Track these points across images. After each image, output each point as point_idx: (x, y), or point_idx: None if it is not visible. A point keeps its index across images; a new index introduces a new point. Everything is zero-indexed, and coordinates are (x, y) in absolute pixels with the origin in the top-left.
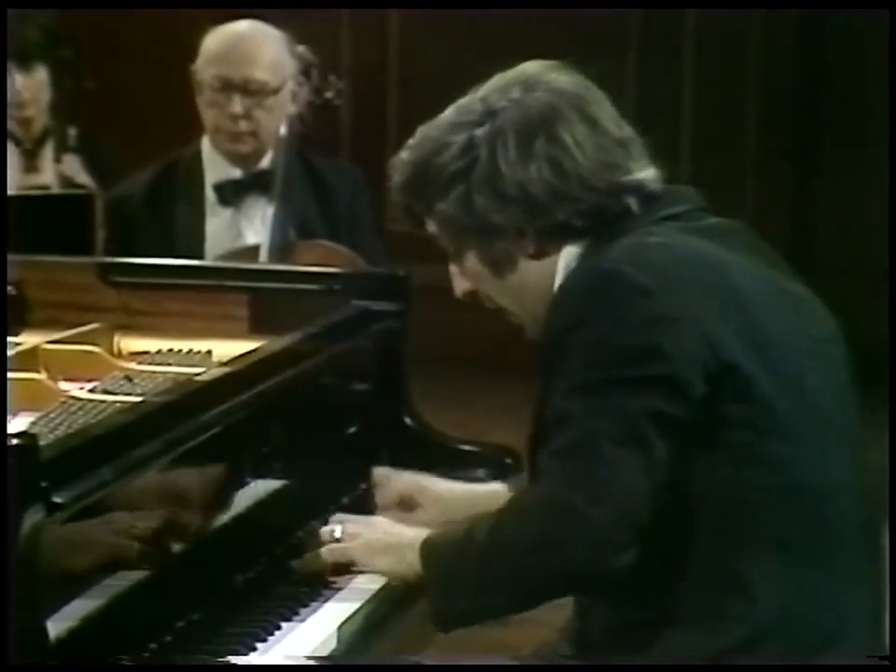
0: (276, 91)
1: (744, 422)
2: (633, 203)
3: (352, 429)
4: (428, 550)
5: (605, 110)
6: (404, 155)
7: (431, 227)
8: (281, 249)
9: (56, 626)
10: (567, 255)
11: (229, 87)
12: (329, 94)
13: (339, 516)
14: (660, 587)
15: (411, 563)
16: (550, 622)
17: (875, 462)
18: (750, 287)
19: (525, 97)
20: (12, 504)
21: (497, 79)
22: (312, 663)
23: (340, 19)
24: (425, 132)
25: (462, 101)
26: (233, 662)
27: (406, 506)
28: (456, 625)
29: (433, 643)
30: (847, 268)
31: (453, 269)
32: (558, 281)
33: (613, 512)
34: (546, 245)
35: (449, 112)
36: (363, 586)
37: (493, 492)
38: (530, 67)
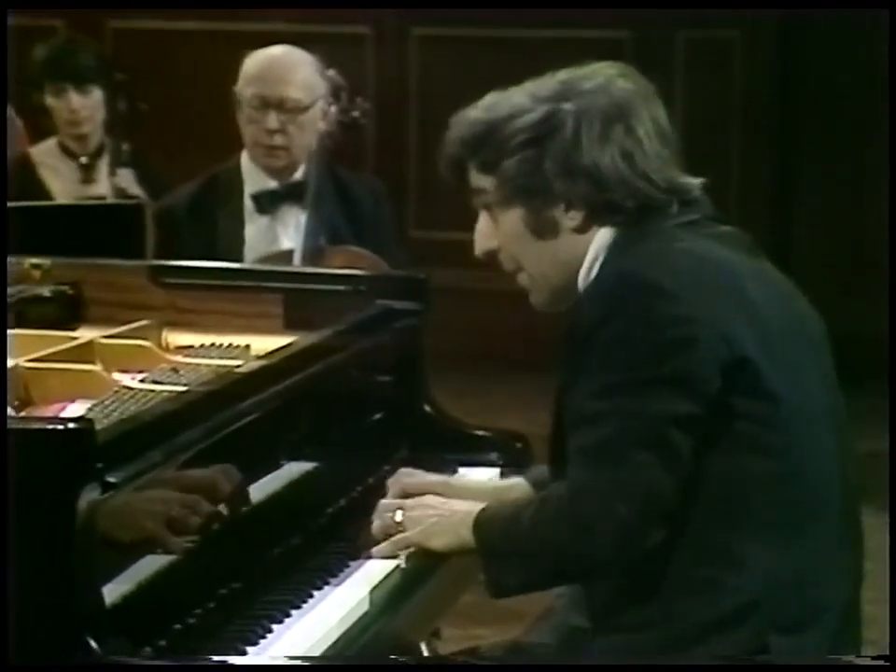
0: (308, 108)
1: (749, 414)
2: (675, 204)
3: (376, 416)
4: (480, 529)
5: (664, 115)
6: (475, 113)
7: (477, 180)
8: (312, 254)
9: (111, 592)
10: (601, 238)
11: (266, 104)
12: (355, 114)
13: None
14: (660, 561)
15: (465, 539)
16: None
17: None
18: (758, 290)
19: (609, 86)
20: (69, 483)
21: (575, 69)
22: (308, 663)
23: (364, 44)
24: (500, 97)
25: (538, 80)
26: (233, 661)
27: None
28: (506, 595)
29: (452, 610)
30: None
31: (481, 227)
32: (587, 261)
33: (638, 508)
34: (590, 221)
35: (527, 86)
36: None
37: (511, 485)
38: (604, 65)
